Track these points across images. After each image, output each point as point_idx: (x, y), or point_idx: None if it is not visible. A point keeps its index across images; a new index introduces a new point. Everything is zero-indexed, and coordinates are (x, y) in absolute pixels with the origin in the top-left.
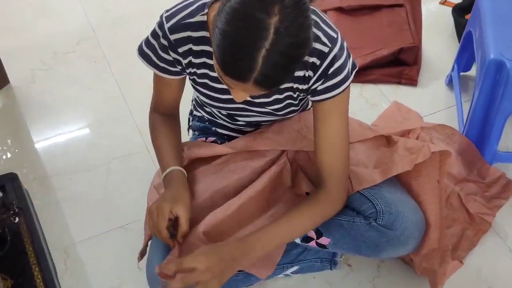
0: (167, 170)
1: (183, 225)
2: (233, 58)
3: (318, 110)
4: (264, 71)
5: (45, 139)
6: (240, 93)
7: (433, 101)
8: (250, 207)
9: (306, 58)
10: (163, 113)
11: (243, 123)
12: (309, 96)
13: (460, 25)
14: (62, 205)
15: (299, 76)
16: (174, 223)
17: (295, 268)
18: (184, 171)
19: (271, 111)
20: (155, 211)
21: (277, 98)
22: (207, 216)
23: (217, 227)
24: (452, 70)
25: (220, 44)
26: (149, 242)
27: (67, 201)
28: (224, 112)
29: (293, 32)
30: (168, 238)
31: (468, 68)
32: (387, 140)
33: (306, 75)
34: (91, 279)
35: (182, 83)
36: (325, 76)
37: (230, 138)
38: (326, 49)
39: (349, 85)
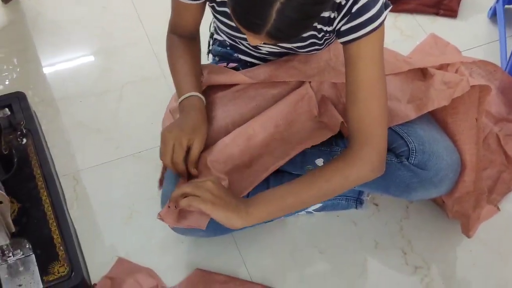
0: (185, 95)
1: (195, 156)
2: (246, 9)
3: (346, 54)
4: (277, 25)
5: (54, 61)
6: (254, 39)
7: (473, 35)
8: (263, 135)
9: None
10: (181, 35)
11: (267, 52)
12: (335, 38)
13: None
14: (70, 130)
15: (323, 17)
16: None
17: (318, 205)
18: (204, 99)
19: (294, 48)
20: (171, 141)
21: (300, 37)
22: (215, 144)
23: (224, 155)
24: (497, 2)
25: None
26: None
27: (75, 126)
28: (245, 41)
29: None
30: (185, 171)
31: None
32: (423, 74)
33: (332, 16)
34: (102, 207)
35: (202, 8)
36: (348, 15)
37: (253, 65)
38: None
39: (380, 26)
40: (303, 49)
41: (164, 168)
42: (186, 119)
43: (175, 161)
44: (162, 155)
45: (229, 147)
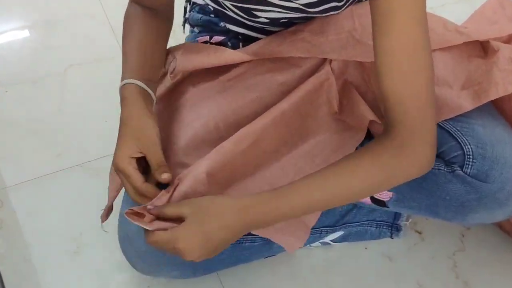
0: (120, 85)
1: (151, 163)
2: None
3: (376, 11)
4: None
5: None
6: None
7: None
8: (273, 137)
9: None
10: (146, 5)
11: (266, 20)
12: None
13: None
14: None
15: None
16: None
17: (338, 234)
18: (141, 84)
19: (301, 6)
20: (118, 172)
21: (309, 3)
22: (212, 152)
23: (225, 167)
24: None
25: None
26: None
27: (0, 125)
28: (237, 3)
29: None
30: (157, 193)
31: None
32: (483, 49)
33: None
34: (37, 239)
35: None
36: None
37: (248, 40)
38: None
39: None
40: (315, 7)
41: (113, 194)
42: (119, 131)
43: (137, 190)
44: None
45: (231, 153)
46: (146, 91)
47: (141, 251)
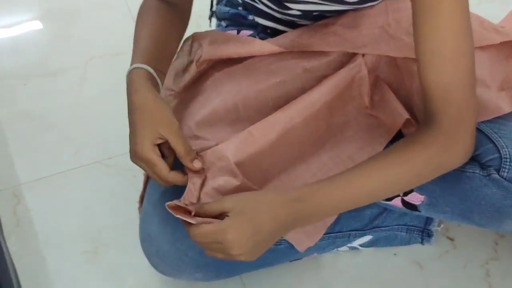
0: (128, 70)
1: (181, 152)
2: None
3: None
4: None
5: None
6: None
7: None
8: (301, 130)
9: None
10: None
11: (298, 12)
12: None
13: None
14: (8, 126)
15: None
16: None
17: (367, 238)
18: (150, 69)
19: None
20: (138, 162)
21: None
22: (237, 138)
23: (254, 158)
24: None
25: None
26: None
27: (17, 119)
28: None
29: None
30: (185, 181)
31: None
32: None
33: None
34: (53, 238)
35: None
36: None
37: (276, 33)
38: None
39: None
40: (355, 4)
41: (147, 178)
42: (131, 117)
43: (162, 179)
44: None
45: (256, 141)
46: (155, 78)
47: (163, 251)
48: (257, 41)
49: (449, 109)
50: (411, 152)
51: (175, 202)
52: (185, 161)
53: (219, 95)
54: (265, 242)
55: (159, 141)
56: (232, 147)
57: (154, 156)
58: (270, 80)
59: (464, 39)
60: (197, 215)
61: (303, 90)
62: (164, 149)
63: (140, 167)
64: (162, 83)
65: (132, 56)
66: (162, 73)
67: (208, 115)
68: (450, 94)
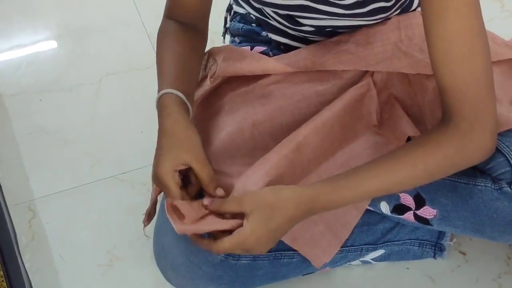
0: (157, 96)
1: (205, 180)
2: None
3: (429, 2)
4: None
5: (3, 45)
6: None
7: None
8: (315, 146)
9: None
10: (180, 20)
11: (310, 28)
12: None
13: None
14: (24, 140)
15: None
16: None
17: (379, 252)
18: (181, 95)
19: (346, 10)
20: (157, 183)
21: (358, 1)
22: (257, 173)
23: (273, 183)
24: None
25: None
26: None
27: (32, 134)
28: (281, 11)
29: None
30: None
31: None
32: None
33: None
34: (68, 251)
35: None
36: None
37: (289, 49)
38: None
39: None
40: (363, 7)
41: (155, 198)
42: (160, 141)
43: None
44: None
45: (272, 165)
46: (185, 103)
47: (177, 264)
48: (271, 60)
49: (465, 109)
50: (426, 151)
51: (176, 203)
52: (208, 189)
53: (235, 121)
54: (279, 238)
55: (182, 167)
56: (253, 182)
57: (171, 181)
58: (285, 105)
59: (477, 39)
60: (217, 212)
61: (317, 113)
62: (192, 176)
63: (158, 187)
64: (192, 106)
65: (159, 82)
66: (191, 97)
67: (225, 144)
68: (465, 94)
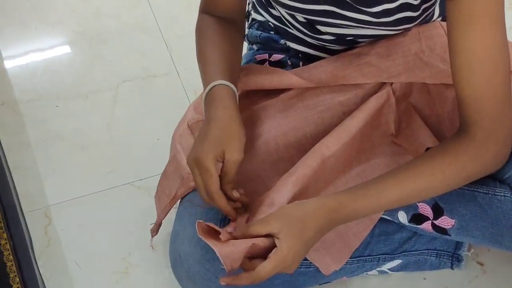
0: (210, 86)
1: (230, 173)
2: None
3: (454, 12)
4: None
5: (19, 50)
6: None
7: None
8: (340, 157)
9: None
10: (216, 14)
11: (330, 37)
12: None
13: None
14: (41, 147)
15: None
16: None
17: (396, 262)
18: (235, 90)
19: (372, 18)
20: (195, 168)
21: (386, 9)
22: (285, 188)
23: (298, 197)
24: None
25: None
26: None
27: (49, 140)
28: (301, 17)
29: None
30: (227, 206)
31: None
32: None
33: None
34: (84, 258)
35: None
36: None
37: (307, 58)
38: None
39: None
40: (390, 15)
41: (162, 211)
42: (208, 127)
43: (209, 193)
44: (163, 184)
45: (300, 181)
46: (234, 93)
47: (193, 272)
48: (290, 74)
49: (482, 121)
50: (444, 161)
51: (209, 224)
52: (226, 187)
53: (260, 135)
54: (309, 251)
55: (220, 160)
56: (281, 195)
57: (213, 167)
58: (308, 116)
59: (500, 53)
60: (243, 237)
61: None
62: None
63: (192, 173)
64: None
65: (206, 74)
66: (236, 88)
67: (251, 158)
68: (483, 107)
